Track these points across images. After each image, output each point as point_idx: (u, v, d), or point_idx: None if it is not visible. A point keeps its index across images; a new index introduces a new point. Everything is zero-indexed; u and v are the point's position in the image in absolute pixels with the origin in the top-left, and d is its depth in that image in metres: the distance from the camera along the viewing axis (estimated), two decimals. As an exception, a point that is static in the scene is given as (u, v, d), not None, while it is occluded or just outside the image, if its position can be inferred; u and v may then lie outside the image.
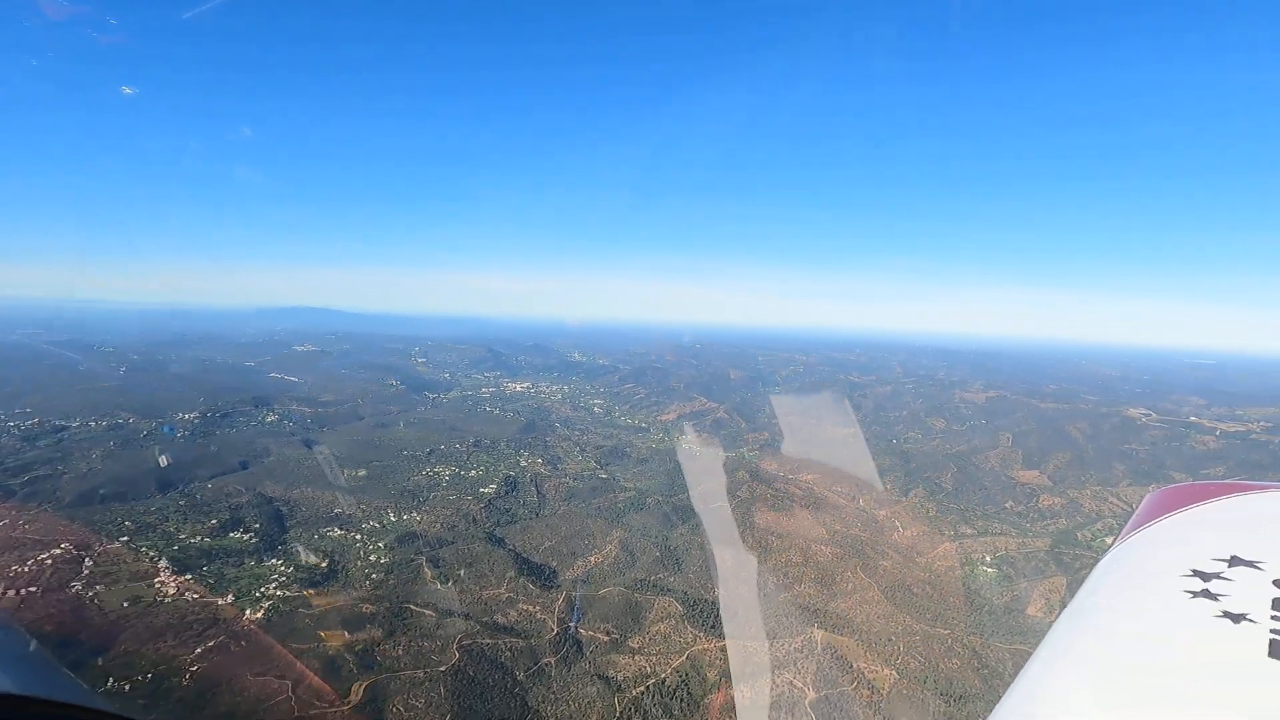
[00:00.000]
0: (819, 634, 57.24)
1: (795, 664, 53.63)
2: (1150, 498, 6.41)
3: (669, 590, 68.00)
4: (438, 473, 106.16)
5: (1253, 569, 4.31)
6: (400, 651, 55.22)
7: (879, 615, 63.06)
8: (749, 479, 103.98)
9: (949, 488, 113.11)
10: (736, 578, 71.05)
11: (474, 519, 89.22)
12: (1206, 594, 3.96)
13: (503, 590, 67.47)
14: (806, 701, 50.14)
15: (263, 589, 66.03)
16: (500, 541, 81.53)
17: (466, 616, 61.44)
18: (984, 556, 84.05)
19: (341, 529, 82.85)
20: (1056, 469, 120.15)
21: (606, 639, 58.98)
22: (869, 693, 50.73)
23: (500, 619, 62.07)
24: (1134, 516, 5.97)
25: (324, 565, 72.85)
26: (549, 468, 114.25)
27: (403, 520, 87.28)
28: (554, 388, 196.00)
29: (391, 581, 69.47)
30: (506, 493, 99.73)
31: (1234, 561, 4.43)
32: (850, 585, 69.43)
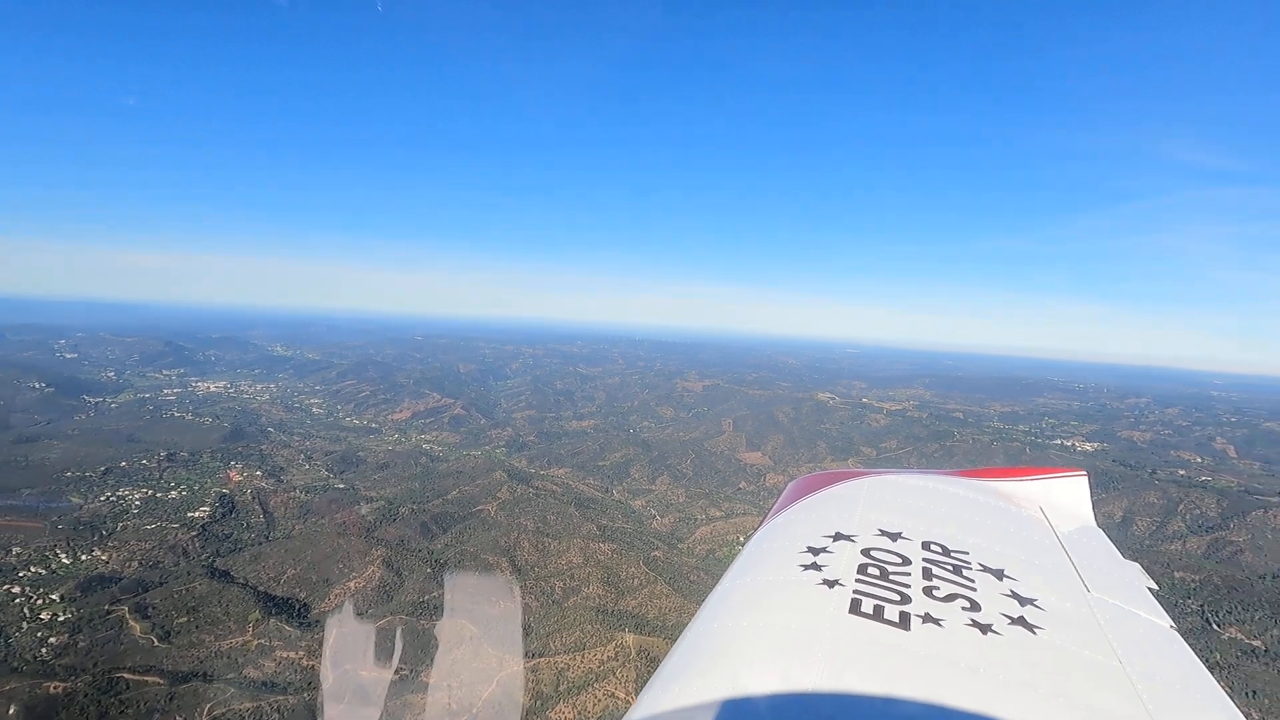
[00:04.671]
0: (630, 638, 56.30)
1: (613, 673, 52.02)
2: (789, 486, 7.26)
3: (454, 610, 62.07)
4: (123, 497, 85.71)
5: (849, 541, 5.17)
6: (123, 739, 42.68)
7: (671, 608, 64.20)
8: (507, 479, 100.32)
9: (690, 473, 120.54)
10: (523, 587, 67.31)
11: (186, 551, 73.66)
12: (814, 566, 4.66)
13: (249, 637, 56.08)
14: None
15: None
16: (227, 576, 68.18)
17: (208, 677, 49.75)
18: (737, 537, 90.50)
19: (-12, 581, 62.75)
20: (774, 449, 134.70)
21: (396, 677, 51.71)
22: (686, 689, 50.85)
23: (255, 673, 51.32)
24: (776, 503, 6.72)
25: (-31, 636, 54.26)
26: (272, 481, 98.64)
27: (82, 561, 69.04)
28: (258, 387, 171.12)
29: (83, 644, 54.05)
30: (224, 515, 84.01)
31: (837, 537, 5.25)
32: (636, 580, 69.80)
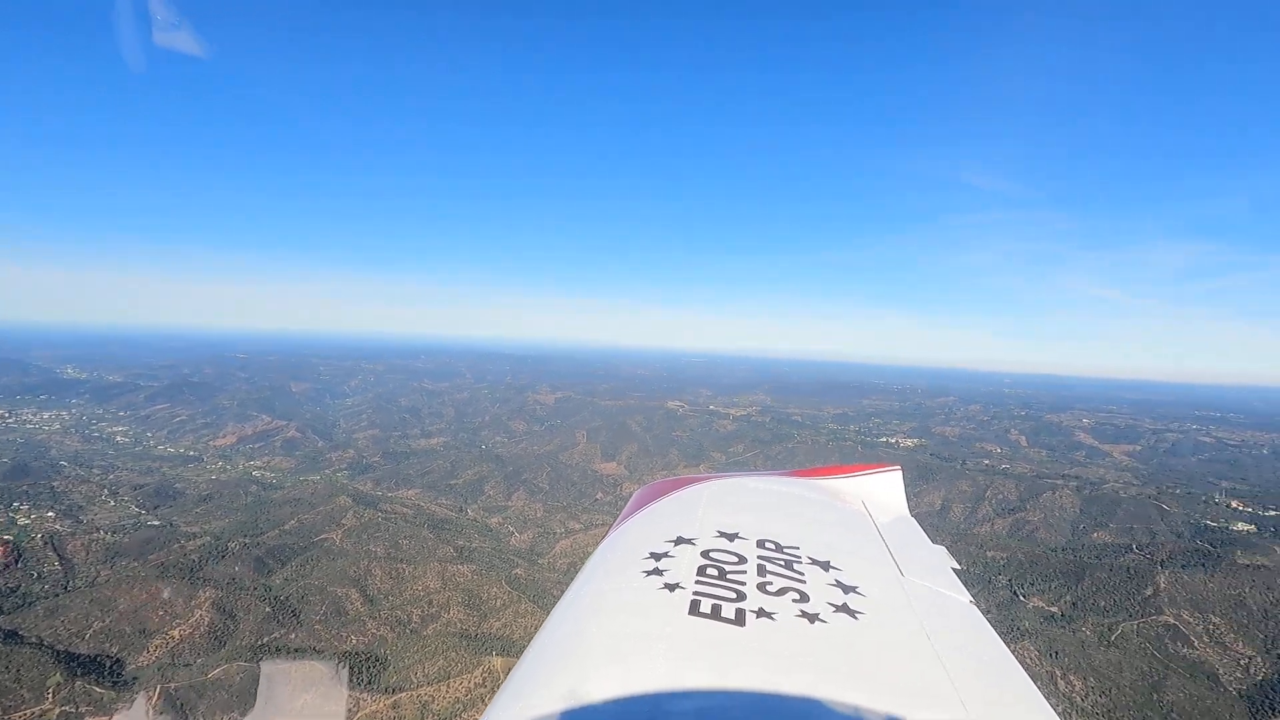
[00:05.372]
0: (498, 661, 54.30)
1: (481, 700, 49.82)
2: (635, 494, 7.46)
3: (300, 650, 57.09)
4: None
5: (690, 545, 5.28)
6: None
7: (538, 626, 61.40)
8: (352, 504, 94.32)
9: (546, 487, 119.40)
10: (376, 618, 63.16)
11: (-43, 612, 62.53)
12: (656, 571, 4.77)
13: (49, 704, 48.51)
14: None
15: None
16: (15, 636, 58.67)
17: (-5, 759, 42.31)
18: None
19: None
20: (629, 459, 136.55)
21: (236, 731, 46.67)
22: (558, 709, 49.78)
23: (58, 747, 44.28)
24: (623, 511, 6.93)
25: None
26: (68, 522, 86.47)
27: None
28: (46, 415, 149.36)
29: None
30: (6, 565, 72.22)
31: (679, 541, 5.34)
32: (499, 601, 67.81)
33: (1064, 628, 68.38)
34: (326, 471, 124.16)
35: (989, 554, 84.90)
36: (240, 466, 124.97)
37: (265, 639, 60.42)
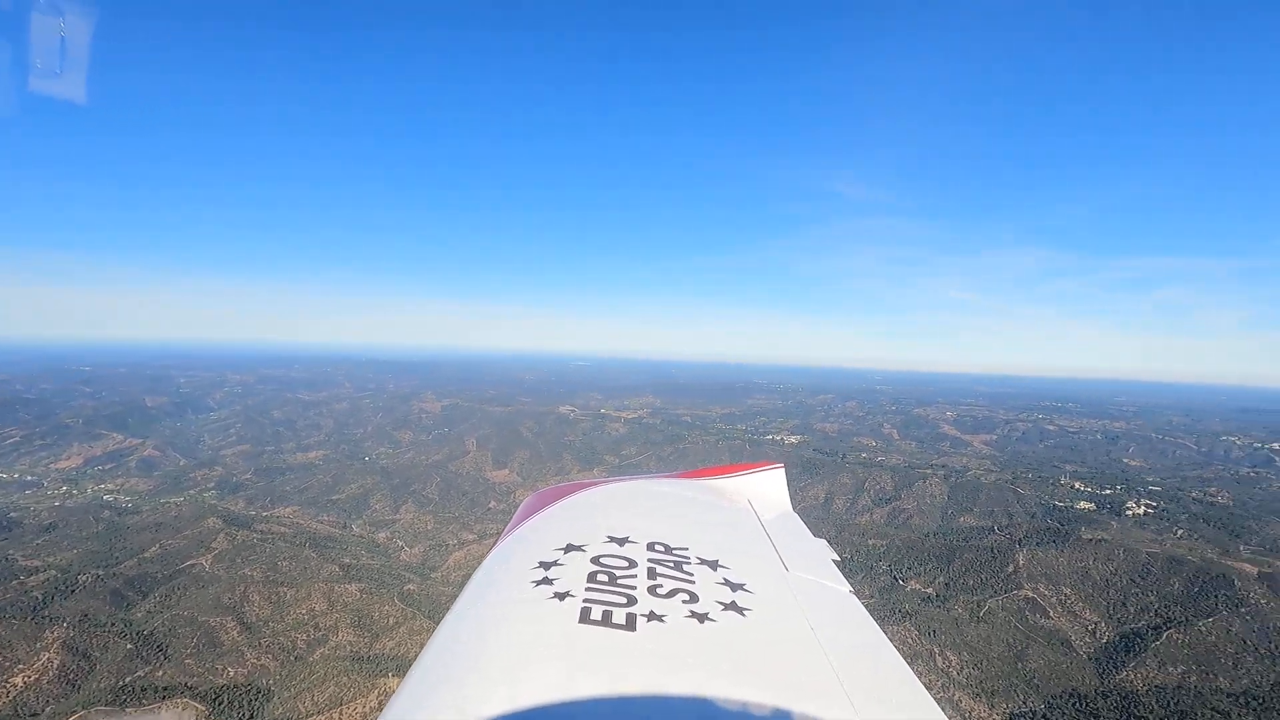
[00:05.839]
0: (394, 682, 51.85)
1: (377, 724, 47.52)
2: (524, 501, 7.50)
3: (170, 688, 52.39)
4: None
5: (580, 551, 5.29)
6: None
7: (433, 642, 60.54)
8: (223, 525, 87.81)
9: (436, 498, 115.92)
10: (256, 647, 58.87)
11: None
12: (546, 580, 4.73)
13: None
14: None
15: None
16: None
17: None
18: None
19: None
20: (521, 465, 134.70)
21: (97, 784, 42.14)
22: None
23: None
24: (512, 520, 6.96)
25: None
26: (-126, 564, 75.62)
27: None
28: None
29: None
30: None
31: (569, 549, 5.33)
32: (391, 619, 64.98)
33: (939, 607, 73.18)
34: (191, 492, 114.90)
35: (870, 542, 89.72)
36: (89, 490, 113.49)
37: (128, 679, 55.16)
